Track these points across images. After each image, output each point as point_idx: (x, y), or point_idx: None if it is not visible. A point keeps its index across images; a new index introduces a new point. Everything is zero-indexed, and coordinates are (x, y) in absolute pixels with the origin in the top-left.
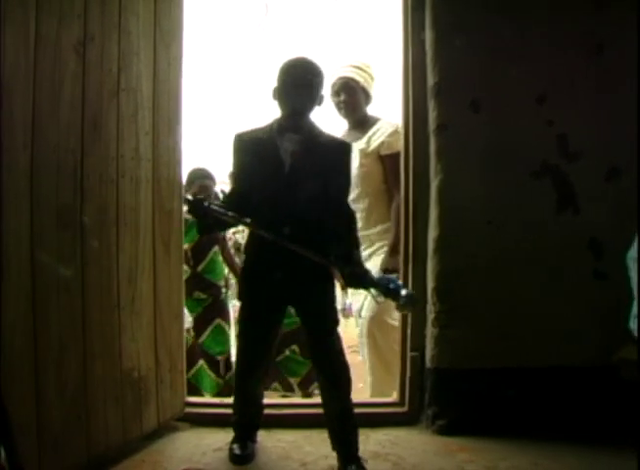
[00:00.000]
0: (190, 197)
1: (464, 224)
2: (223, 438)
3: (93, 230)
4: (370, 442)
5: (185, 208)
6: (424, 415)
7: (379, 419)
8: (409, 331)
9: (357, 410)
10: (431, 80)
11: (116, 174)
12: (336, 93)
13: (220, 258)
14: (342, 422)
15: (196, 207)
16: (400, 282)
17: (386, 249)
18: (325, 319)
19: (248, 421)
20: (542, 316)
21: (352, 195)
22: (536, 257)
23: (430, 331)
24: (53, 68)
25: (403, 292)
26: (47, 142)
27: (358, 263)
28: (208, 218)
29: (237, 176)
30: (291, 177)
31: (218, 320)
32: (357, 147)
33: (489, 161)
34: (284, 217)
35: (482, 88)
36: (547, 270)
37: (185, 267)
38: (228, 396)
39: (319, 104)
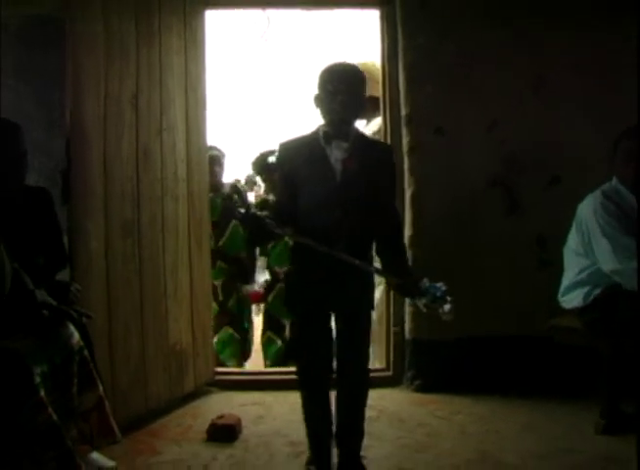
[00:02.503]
0: (243, 210)
1: (432, 225)
2: (245, 398)
3: (146, 237)
4: None
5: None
6: (404, 377)
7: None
8: (392, 310)
9: None
10: (404, 111)
11: (161, 193)
12: None
13: (240, 231)
14: (351, 431)
15: (250, 219)
16: (445, 289)
17: None
18: (361, 329)
19: (319, 437)
20: (499, 296)
21: None
22: (492, 249)
23: (407, 309)
24: (116, 116)
25: (447, 304)
26: (114, 173)
27: (408, 272)
28: (262, 232)
29: (285, 186)
30: (343, 186)
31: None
32: None
33: (451, 175)
34: (337, 227)
35: (445, 117)
36: (501, 260)
37: None
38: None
39: (364, 109)
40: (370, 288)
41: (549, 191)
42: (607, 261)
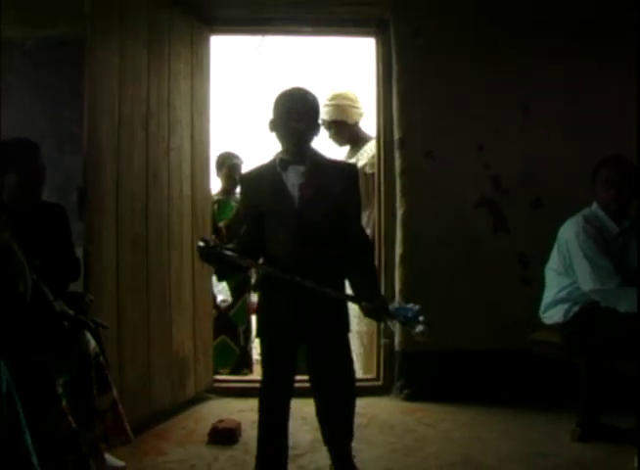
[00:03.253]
0: (202, 244)
1: (422, 243)
2: (243, 404)
3: (154, 251)
4: None
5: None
6: (394, 387)
7: (360, 391)
8: (382, 324)
9: None
10: (396, 135)
11: (168, 210)
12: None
13: None
14: (343, 433)
15: (209, 254)
16: (417, 309)
17: None
18: (341, 353)
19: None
20: (482, 311)
21: None
22: (478, 266)
23: (397, 323)
24: (128, 137)
25: (419, 325)
26: (125, 191)
27: (376, 295)
28: (223, 264)
29: (247, 217)
30: (302, 211)
31: (246, 295)
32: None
33: (441, 195)
34: (300, 254)
35: (435, 142)
36: (486, 276)
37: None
38: (243, 365)
39: (318, 133)
40: (343, 312)
41: (532, 212)
42: (586, 281)
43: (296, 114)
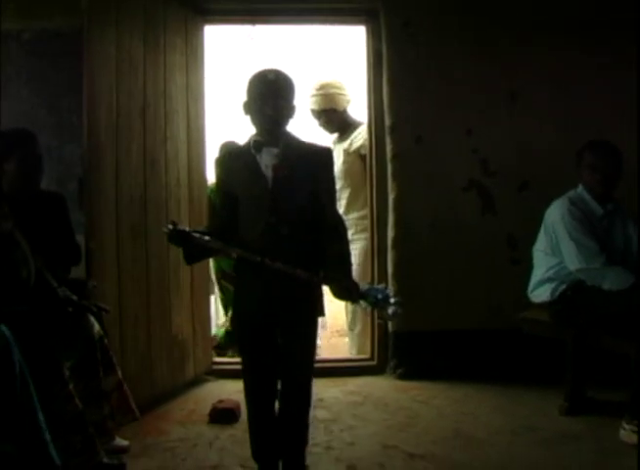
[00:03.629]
0: (170, 226)
1: (413, 226)
2: (241, 385)
3: (152, 238)
4: (349, 385)
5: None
6: (388, 366)
7: (356, 370)
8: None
9: (341, 365)
10: (387, 122)
11: (166, 197)
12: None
13: None
14: (295, 440)
15: (177, 237)
16: (388, 291)
17: (365, 234)
18: (303, 343)
19: (266, 453)
20: (473, 292)
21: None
22: (468, 248)
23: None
24: (126, 127)
25: (390, 307)
26: (124, 179)
27: (347, 276)
28: (192, 248)
29: (220, 198)
30: (274, 192)
31: None
32: (341, 147)
33: (430, 179)
34: (272, 235)
35: (424, 127)
36: (476, 258)
37: None
38: None
39: (292, 115)
40: (314, 296)
41: (519, 195)
42: (573, 261)
43: (268, 96)
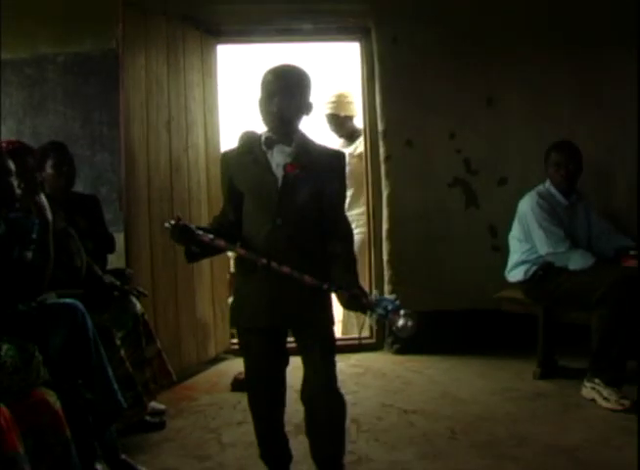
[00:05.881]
0: (172, 222)
1: (405, 219)
2: None
3: None
4: (351, 360)
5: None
6: (385, 343)
7: (358, 347)
8: (373, 287)
9: (345, 343)
10: (380, 127)
11: (188, 198)
12: None
13: None
14: (334, 459)
15: (179, 233)
16: (398, 302)
17: (362, 229)
18: (323, 346)
19: (274, 460)
20: (459, 276)
21: None
22: (454, 237)
23: (386, 287)
24: (155, 138)
25: (401, 318)
26: (154, 183)
27: (355, 285)
28: (193, 245)
29: (227, 196)
30: (284, 192)
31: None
32: (347, 151)
33: (419, 178)
34: (279, 236)
35: (413, 131)
36: (460, 245)
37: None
38: None
39: (307, 112)
40: (325, 303)
41: (498, 189)
42: (542, 246)
43: (273, 93)
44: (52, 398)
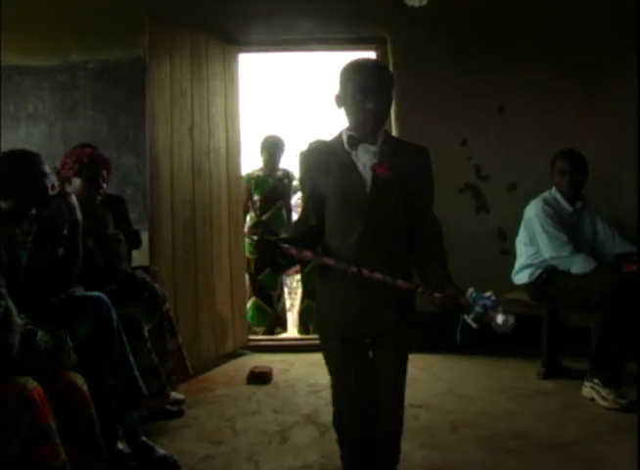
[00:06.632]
0: (255, 237)
1: None
2: (273, 357)
3: (200, 232)
4: None
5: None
6: None
7: None
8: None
9: None
10: (394, 133)
11: (209, 198)
12: None
13: (284, 212)
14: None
15: (265, 248)
16: (494, 298)
17: None
18: (399, 355)
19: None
20: (468, 278)
21: None
22: (465, 241)
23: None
24: (178, 143)
25: (500, 315)
26: (177, 184)
27: (450, 285)
28: (279, 258)
29: (306, 198)
30: (374, 196)
31: None
32: None
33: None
34: (369, 243)
35: (424, 138)
36: (471, 249)
37: (252, 215)
38: (277, 325)
39: (390, 110)
40: (409, 308)
41: (508, 195)
42: (546, 250)
43: (368, 91)
44: (80, 380)
